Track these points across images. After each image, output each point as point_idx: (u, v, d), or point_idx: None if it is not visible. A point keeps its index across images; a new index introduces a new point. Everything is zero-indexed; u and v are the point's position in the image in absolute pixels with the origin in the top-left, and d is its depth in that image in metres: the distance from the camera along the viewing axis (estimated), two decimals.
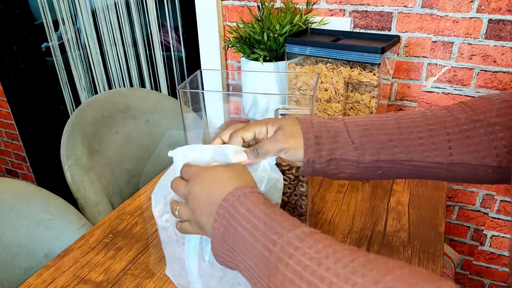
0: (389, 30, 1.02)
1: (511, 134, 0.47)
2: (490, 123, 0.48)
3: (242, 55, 1.04)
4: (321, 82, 0.85)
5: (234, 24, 1.18)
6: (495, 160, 0.48)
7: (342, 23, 1.04)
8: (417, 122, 0.51)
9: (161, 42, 1.53)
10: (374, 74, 0.80)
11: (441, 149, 0.49)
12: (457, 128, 0.49)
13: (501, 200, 1.08)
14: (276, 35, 0.97)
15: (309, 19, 1.04)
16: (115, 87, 1.73)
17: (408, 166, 0.50)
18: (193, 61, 1.49)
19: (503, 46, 0.93)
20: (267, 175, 0.50)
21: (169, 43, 1.52)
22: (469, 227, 1.17)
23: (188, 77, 0.68)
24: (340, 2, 1.04)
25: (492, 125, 0.48)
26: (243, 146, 0.52)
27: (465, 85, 1.00)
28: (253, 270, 0.39)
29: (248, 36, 1.00)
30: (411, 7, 0.97)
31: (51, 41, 1.77)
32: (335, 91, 0.84)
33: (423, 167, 0.50)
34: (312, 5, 1.07)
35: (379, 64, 0.79)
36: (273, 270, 0.37)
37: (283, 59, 1.01)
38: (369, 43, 0.83)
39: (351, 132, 0.50)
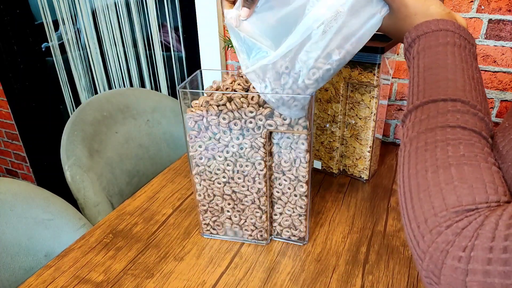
0: None
1: None
2: None
3: None
4: None
5: None
6: None
7: None
8: None
9: (161, 42, 1.53)
10: (374, 74, 0.80)
11: None
12: None
13: None
14: None
15: None
16: (115, 87, 1.73)
17: None
18: (193, 61, 1.49)
19: (503, 46, 0.93)
20: None
21: (169, 43, 1.52)
22: None
23: (188, 77, 0.68)
24: None
25: None
26: None
27: None
28: (414, 86, 0.42)
29: None
30: None
31: (51, 41, 1.77)
32: (335, 91, 0.84)
33: None
34: None
35: (379, 64, 0.79)
36: (424, 108, 0.40)
37: None
38: (369, 43, 0.83)
39: None
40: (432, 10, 0.46)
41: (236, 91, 0.62)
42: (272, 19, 0.52)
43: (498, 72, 0.96)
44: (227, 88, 0.64)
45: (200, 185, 0.70)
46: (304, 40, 0.51)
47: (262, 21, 0.53)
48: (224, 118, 0.62)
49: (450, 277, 0.31)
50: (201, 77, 0.70)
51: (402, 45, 1.03)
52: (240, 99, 0.61)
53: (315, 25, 0.50)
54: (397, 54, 1.02)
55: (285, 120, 0.61)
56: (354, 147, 0.90)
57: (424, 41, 0.44)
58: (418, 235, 0.34)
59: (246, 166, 0.66)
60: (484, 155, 0.35)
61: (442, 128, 0.37)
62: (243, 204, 0.70)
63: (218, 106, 0.62)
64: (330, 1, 0.50)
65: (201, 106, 0.63)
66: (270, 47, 0.53)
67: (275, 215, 0.72)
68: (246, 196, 0.69)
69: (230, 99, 0.62)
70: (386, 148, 1.11)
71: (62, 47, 1.76)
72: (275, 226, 0.73)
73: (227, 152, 0.66)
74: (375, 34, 0.97)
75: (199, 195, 0.71)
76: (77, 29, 1.68)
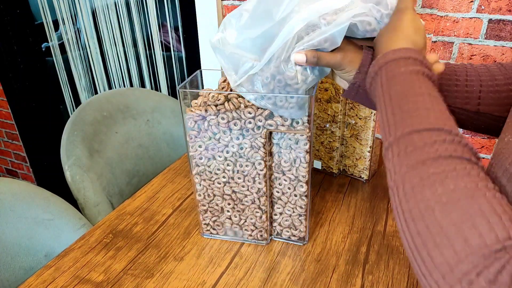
0: None
1: None
2: None
3: None
4: (321, 82, 0.85)
5: None
6: None
7: None
8: (457, 72, 0.57)
9: (161, 42, 1.53)
10: None
11: (472, 98, 0.55)
12: (490, 82, 0.55)
13: None
14: None
15: None
16: (115, 87, 1.73)
17: None
18: (193, 61, 1.49)
19: (503, 46, 0.93)
20: None
21: (169, 43, 1.52)
22: None
23: (188, 77, 0.68)
24: None
25: None
26: None
27: None
28: (389, 116, 0.41)
29: None
30: None
31: (51, 41, 1.77)
32: (335, 91, 0.84)
33: (452, 112, 0.55)
34: None
35: None
36: (400, 141, 0.38)
37: None
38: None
39: None
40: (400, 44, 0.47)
41: (233, 90, 0.62)
42: (254, 34, 0.54)
43: None
44: (223, 88, 0.64)
45: (200, 185, 0.70)
46: (287, 43, 0.53)
47: (245, 37, 0.54)
48: (223, 118, 0.62)
49: None
50: (201, 77, 0.70)
51: None
52: (237, 99, 0.61)
53: (296, 29, 0.52)
54: None
55: (285, 120, 0.61)
56: (354, 147, 0.90)
57: (392, 67, 0.44)
58: (444, 286, 0.30)
59: (246, 166, 0.66)
60: (484, 182, 0.34)
61: (434, 159, 0.35)
62: (243, 204, 0.70)
63: (216, 106, 0.62)
64: (315, 5, 0.52)
65: (200, 106, 0.63)
66: (256, 60, 0.55)
67: (275, 215, 0.72)
68: (246, 196, 0.69)
69: (228, 99, 0.62)
70: None
71: (62, 47, 1.76)
72: (275, 226, 0.73)
73: (227, 152, 0.66)
74: None
75: (199, 195, 0.71)
76: (77, 29, 1.68)
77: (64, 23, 1.69)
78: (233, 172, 0.67)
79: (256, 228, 0.72)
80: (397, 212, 0.36)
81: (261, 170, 0.66)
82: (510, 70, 0.56)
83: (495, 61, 0.95)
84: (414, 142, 0.37)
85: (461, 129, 0.60)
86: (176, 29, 1.48)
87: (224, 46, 0.56)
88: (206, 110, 0.62)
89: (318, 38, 0.51)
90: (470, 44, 0.96)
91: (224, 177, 0.68)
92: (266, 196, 0.68)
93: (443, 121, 0.38)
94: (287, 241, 0.74)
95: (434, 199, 0.33)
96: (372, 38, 0.56)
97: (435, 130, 0.37)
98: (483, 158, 1.06)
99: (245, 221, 0.72)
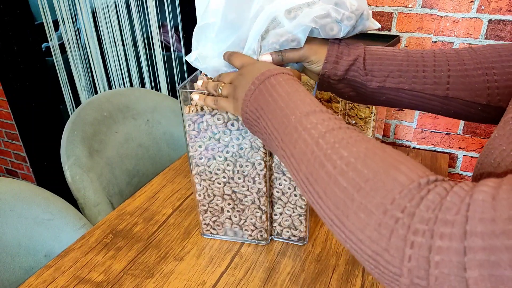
0: (389, 30, 1.02)
1: (505, 78, 0.53)
2: (489, 66, 0.54)
3: None
4: None
5: None
6: (486, 98, 0.55)
7: None
8: (425, 57, 0.57)
9: (161, 42, 1.53)
10: None
11: (441, 83, 0.55)
12: (459, 67, 0.55)
13: None
14: None
15: None
16: (115, 87, 1.73)
17: (408, 95, 0.57)
18: None
19: None
20: None
21: (169, 43, 1.52)
22: None
23: (188, 77, 0.68)
24: None
25: (490, 68, 0.54)
26: None
27: None
28: (272, 130, 0.45)
29: None
30: (411, 7, 0.97)
31: (51, 41, 1.77)
32: None
33: (421, 98, 0.57)
34: None
35: None
36: (288, 134, 0.43)
37: None
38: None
39: (366, 59, 0.57)
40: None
41: None
42: (229, 41, 0.56)
43: None
44: None
45: (200, 185, 0.70)
46: (256, 43, 0.55)
47: (220, 48, 0.57)
48: (218, 119, 0.62)
49: (443, 274, 0.28)
50: None
51: (401, 46, 1.03)
52: None
53: (263, 28, 0.54)
54: None
55: None
56: None
57: (271, 81, 0.48)
58: (386, 228, 0.31)
59: (246, 166, 0.66)
60: (377, 141, 0.38)
61: (330, 132, 0.39)
62: (243, 204, 0.70)
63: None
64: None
65: (197, 106, 0.63)
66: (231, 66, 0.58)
67: (275, 215, 0.72)
68: (246, 196, 0.69)
69: None
70: None
71: (62, 47, 1.76)
72: (275, 226, 0.73)
73: (227, 152, 0.66)
74: (374, 35, 0.97)
75: (199, 195, 0.71)
76: (77, 29, 1.68)
77: (64, 23, 1.69)
78: (233, 172, 0.67)
79: (256, 228, 0.72)
80: (311, 180, 0.39)
81: (261, 170, 0.66)
82: (480, 54, 0.56)
83: (468, 47, 0.95)
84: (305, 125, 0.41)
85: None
86: (176, 29, 1.48)
87: (204, 60, 0.59)
88: (202, 109, 0.63)
89: (281, 40, 0.54)
90: (470, 44, 0.96)
91: (224, 177, 0.68)
92: (266, 196, 0.68)
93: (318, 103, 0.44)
94: (287, 241, 0.74)
95: (353, 156, 0.36)
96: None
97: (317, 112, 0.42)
98: None
99: (245, 221, 0.72)
